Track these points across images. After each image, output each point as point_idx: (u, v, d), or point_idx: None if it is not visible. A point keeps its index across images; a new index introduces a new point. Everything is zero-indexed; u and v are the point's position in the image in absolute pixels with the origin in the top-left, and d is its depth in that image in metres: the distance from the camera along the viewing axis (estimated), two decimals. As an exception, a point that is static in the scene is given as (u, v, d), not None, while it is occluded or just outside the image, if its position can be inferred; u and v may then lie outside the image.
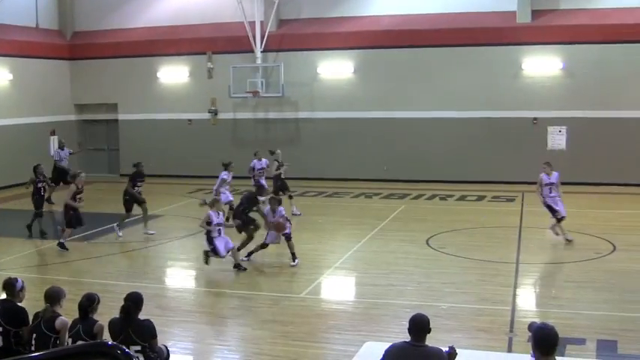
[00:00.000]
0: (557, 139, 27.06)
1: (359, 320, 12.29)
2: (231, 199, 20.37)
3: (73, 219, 17.55)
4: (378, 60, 28.43)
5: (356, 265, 16.25)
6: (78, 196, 17.69)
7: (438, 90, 27.85)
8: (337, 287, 15.14)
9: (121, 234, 18.93)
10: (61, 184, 24.63)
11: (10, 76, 29.26)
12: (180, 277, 16.38)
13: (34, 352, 8.51)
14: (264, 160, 22.83)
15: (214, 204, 15.83)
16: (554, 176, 17.78)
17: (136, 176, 19.63)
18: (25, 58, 29.98)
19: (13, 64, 29.32)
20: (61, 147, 26.65)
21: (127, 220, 19.35)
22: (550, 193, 17.67)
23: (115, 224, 19.23)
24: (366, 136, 28.54)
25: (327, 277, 15.29)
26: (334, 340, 11.25)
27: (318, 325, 11.95)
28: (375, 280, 14.84)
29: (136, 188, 19.42)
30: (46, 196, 21.27)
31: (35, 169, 20.21)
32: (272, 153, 22.98)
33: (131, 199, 19.33)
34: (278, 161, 22.34)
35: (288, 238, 15.81)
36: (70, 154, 26.66)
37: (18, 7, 29.79)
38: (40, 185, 20.04)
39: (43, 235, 19.41)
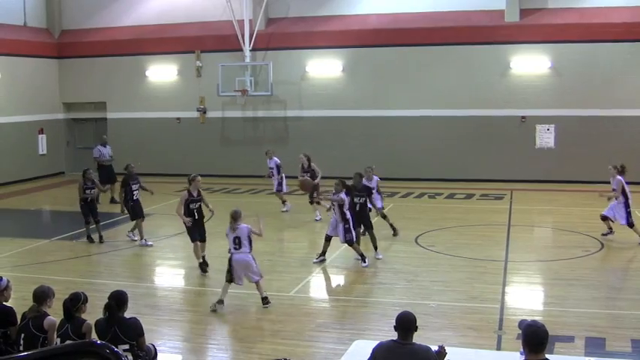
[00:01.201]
0: (545, 137, 27.14)
1: (348, 319, 12.34)
2: None
3: (191, 232, 15.65)
4: (366, 59, 28.47)
5: (345, 263, 16.23)
6: (192, 205, 15.78)
7: (426, 88, 27.89)
8: (326, 286, 15.15)
9: (136, 237, 18.65)
10: (108, 184, 24.15)
11: (-2, 75, 29.18)
12: (169, 276, 16.36)
13: (23, 352, 8.48)
14: (274, 158, 22.77)
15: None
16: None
17: (129, 180, 18.60)
18: (13, 57, 29.89)
19: (1, 63, 29.19)
20: (103, 144, 25.60)
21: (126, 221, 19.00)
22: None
23: (128, 231, 18.91)
24: (354, 134, 28.56)
25: (316, 276, 15.29)
26: (323, 339, 11.25)
27: (307, 324, 11.95)
28: (363, 279, 14.89)
29: (134, 193, 18.48)
30: (98, 199, 19.97)
31: (84, 174, 18.64)
32: (267, 153, 22.99)
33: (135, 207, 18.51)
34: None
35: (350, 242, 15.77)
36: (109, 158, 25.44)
37: (6, 5, 29.71)
38: (87, 193, 18.57)
39: (101, 240, 18.48)
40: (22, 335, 8.71)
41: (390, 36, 27.98)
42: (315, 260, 15.98)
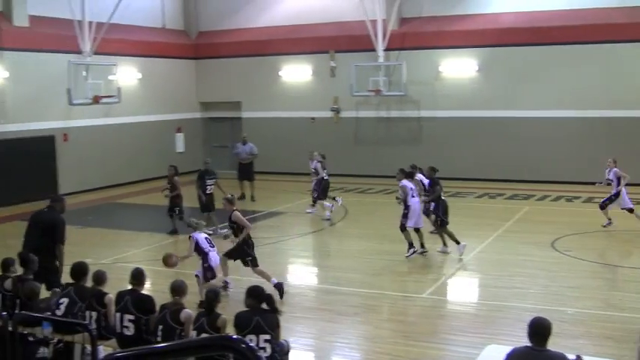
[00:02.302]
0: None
1: (481, 322, 12.14)
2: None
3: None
4: (501, 58, 27.93)
5: (479, 266, 16.03)
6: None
7: (564, 89, 27.10)
8: (460, 288, 14.98)
9: (224, 231, 19.04)
10: (245, 181, 25.15)
11: (139, 75, 30.28)
12: (301, 273, 16.54)
13: (160, 342, 8.77)
14: (315, 160, 22.56)
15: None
16: None
17: (204, 175, 19.65)
18: (153, 58, 30.99)
19: (141, 64, 30.32)
20: (243, 142, 26.27)
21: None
22: None
23: (215, 228, 19.32)
24: (489, 135, 28.08)
25: (450, 278, 15.16)
26: (456, 342, 11.14)
27: (439, 326, 11.87)
28: (498, 283, 14.61)
29: (207, 187, 19.43)
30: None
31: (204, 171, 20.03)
32: (323, 157, 22.76)
33: (206, 200, 19.39)
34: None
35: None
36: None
37: (145, 9, 30.85)
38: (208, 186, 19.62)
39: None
40: (160, 327, 9.02)
41: (526, 35, 27.36)
42: (407, 255, 16.27)
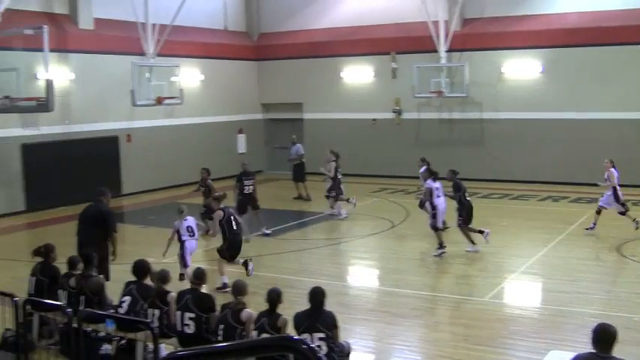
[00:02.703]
0: None
1: (543, 327, 11.95)
2: None
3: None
4: (565, 59, 27.47)
5: (542, 270, 15.79)
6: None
7: (628, 89, 26.56)
8: (521, 292, 14.73)
9: (268, 231, 19.48)
10: (299, 182, 25.52)
11: (202, 77, 30.58)
12: (363, 275, 16.51)
13: (221, 341, 8.82)
14: (332, 163, 22.50)
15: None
16: None
17: (242, 176, 19.86)
18: (215, 60, 31.28)
19: (203, 65, 30.62)
20: (293, 143, 27.01)
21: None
22: None
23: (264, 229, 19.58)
24: (553, 137, 27.63)
25: (511, 282, 14.96)
26: (517, 347, 10.99)
27: (500, 331, 11.71)
28: (561, 287, 14.37)
29: (246, 188, 19.62)
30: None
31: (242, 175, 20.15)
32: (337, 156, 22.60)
33: (243, 201, 19.57)
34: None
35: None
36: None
37: (208, 11, 31.14)
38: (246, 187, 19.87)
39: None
40: (221, 326, 9.08)
41: (590, 35, 26.86)
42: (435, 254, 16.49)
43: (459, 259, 16.46)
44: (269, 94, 33.79)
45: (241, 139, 32.72)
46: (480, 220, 20.75)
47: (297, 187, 25.66)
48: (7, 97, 17.61)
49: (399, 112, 30.67)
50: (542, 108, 27.85)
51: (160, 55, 26.26)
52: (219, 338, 9.06)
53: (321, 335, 8.58)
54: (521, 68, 28.21)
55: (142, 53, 25.70)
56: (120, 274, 12.92)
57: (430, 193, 16.82)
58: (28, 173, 23.83)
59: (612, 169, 19.05)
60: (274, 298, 8.91)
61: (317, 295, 8.88)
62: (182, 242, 14.61)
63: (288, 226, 20.81)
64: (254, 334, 8.79)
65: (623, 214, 18.95)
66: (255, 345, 4.35)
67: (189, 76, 29.47)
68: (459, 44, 28.82)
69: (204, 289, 10.38)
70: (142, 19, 25.42)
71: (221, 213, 14.21)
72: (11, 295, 9.39)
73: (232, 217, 14.33)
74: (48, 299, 10.57)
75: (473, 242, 16.74)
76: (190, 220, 14.83)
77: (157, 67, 26.56)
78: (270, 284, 10.71)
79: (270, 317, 8.80)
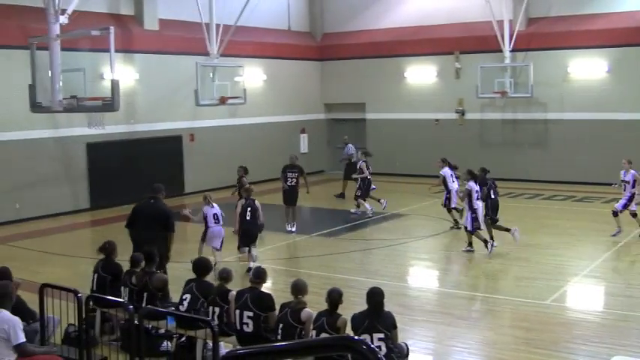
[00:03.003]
0: None
1: (606, 332, 11.72)
2: None
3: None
4: (633, 58, 26.93)
5: (605, 273, 15.53)
6: None
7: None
8: (584, 296, 14.49)
9: (293, 229, 19.88)
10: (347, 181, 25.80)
11: (264, 77, 30.75)
12: (422, 276, 16.42)
13: (280, 340, 8.86)
14: (360, 160, 23.09)
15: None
16: None
17: (286, 168, 20.56)
18: (278, 60, 31.43)
19: (266, 65, 30.80)
20: (345, 143, 27.77)
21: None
22: None
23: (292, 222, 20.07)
24: (619, 138, 27.08)
25: (574, 285, 14.73)
26: (579, 351, 10.82)
27: (562, 334, 11.54)
28: (625, 291, 14.10)
29: (289, 179, 20.24)
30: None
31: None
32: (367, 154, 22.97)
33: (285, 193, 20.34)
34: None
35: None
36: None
37: (272, 11, 31.30)
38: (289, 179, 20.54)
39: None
40: (280, 325, 9.11)
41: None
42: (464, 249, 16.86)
43: (520, 261, 16.27)
44: (332, 94, 33.85)
45: (304, 138, 32.84)
46: (542, 222, 20.62)
47: (343, 186, 26.12)
48: (73, 97, 17.90)
49: (462, 113, 30.44)
50: (607, 108, 27.35)
51: (223, 55, 26.48)
52: (279, 337, 9.09)
53: (381, 335, 8.56)
54: (587, 68, 27.75)
55: (206, 53, 25.94)
56: (182, 272, 13.10)
57: (469, 194, 16.73)
58: (93, 172, 24.28)
59: (634, 171, 18.70)
60: (336, 297, 8.91)
61: (375, 296, 8.85)
62: (207, 228, 15.66)
63: (347, 227, 20.81)
64: (313, 333, 8.81)
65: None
66: (315, 345, 4.35)
67: (253, 76, 29.66)
68: (524, 44, 28.49)
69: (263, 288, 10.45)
70: (207, 20, 25.67)
71: (240, 203, 15.71)
72: (75, 292, 9.55)
73: (249, 209, 15.49)
74: (110, 296, 10.76)
75: (487, 240, 16.71)
76: (216, 208, 15.73)
77: (221, 67, 26.78)
78: (329, 284, 10.73)
79: (329, 317, 8.81)
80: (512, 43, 28.34)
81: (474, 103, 29.77)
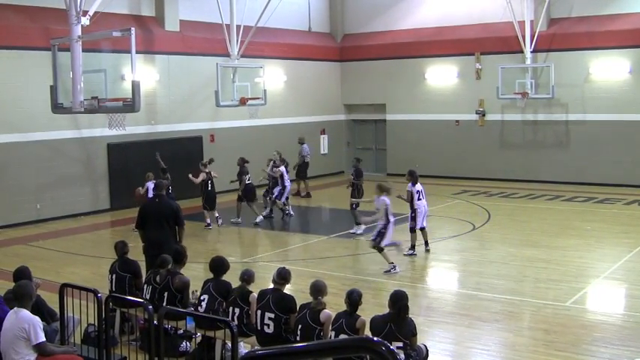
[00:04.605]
0: None
1: (628, 335, 11.63)
2: None
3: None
4: (656, 59, 26.80)
5: (626, 276, 15.40)
6: None
7: None
8: (605, 298, 14.38)
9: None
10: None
11: (285, 78, 30.80)
12: (443, 278, 16.37)
13: (299, 341, 8.86)
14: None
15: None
16: None
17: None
18: (299, 60, 31.49)
19: (287, 66, 30.86)
20: (301, 142, 28.18)
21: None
22: None
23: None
24: (641, 140, 26.97)
25: (595, 287, 14.65)
26: (600, 354, 10.74)
27: (583, 337, 11.47)
28: (646, 293, 14.02)
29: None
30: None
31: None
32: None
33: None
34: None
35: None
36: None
37: (292, 12, 31.36)
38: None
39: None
40: (300, 326, 9.10)
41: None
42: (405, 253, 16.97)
43: (540, 262, 16.20)
44: (352, 95, 33.85)
45: (324, 139, 32.85)
46: (563, 224, 20.51)
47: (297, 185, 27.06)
48: (94, 98, 17.98)
49: (482, 114, 30.33)
50: (630, 109, 27.17)
51: (244, 56, 26.50)
52: (297, 338, 9.09)
53: (399, 344, 8.49)
54: (609, 69, 27.58)
55: (226, 54, 25.97)
56: (201, 272, 13.14)
57: (411, 196, 17.12)
58: (114, 172, 24.40)
59: None
60: (356, 299, 8.89)
61: (400, 299, 8.77)
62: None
63: (366, 228, 20.73)
64: (332, 334, 8.80)
65: None
66: (335, 346, 4.33)
67: (273, 76, 29.70)
68: (545, 44, 28.37)
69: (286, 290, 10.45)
70: (227, 21, 25.71)
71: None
72: (94, 291, 9.60)
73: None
74: (130, 295, 10.80)
75: (414, 246, 17.36)
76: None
77: (241, 68, 26.81)
78: (349, 285, 10.73)
79: (348, 318, 8.80)
80: (533, 44, 28.22)
81: (494, 104, 29.67)
